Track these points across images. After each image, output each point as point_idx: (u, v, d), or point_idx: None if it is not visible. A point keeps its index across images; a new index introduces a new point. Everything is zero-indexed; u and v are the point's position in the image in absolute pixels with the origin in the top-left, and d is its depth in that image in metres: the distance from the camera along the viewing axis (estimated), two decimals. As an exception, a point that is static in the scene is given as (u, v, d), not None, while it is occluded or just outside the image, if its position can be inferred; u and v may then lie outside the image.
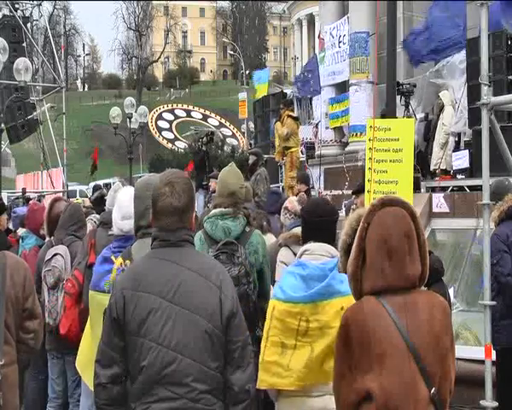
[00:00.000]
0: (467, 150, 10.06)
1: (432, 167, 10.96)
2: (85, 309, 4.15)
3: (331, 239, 3.25)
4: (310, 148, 16.50)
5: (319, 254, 3.13)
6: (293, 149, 10.97)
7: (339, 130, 15.25)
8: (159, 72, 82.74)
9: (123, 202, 3.67)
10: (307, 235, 3.27)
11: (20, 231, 6.17)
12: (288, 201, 4.91)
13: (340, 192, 11.64)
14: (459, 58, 10.94)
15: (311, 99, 16.01)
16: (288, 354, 3.04)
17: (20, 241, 5.54)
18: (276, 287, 3.18)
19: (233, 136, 49.97)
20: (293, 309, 3.03)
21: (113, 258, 3.23)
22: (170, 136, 53.08)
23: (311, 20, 75.70)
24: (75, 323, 4.28)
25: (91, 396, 4.02)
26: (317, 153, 14.68)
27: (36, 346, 3.50)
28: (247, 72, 55.60)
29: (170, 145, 47.68)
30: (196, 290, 2.42)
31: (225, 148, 35.18)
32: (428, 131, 11.44)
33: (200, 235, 3.80)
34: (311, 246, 3.17)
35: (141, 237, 3.19)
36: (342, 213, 7.42)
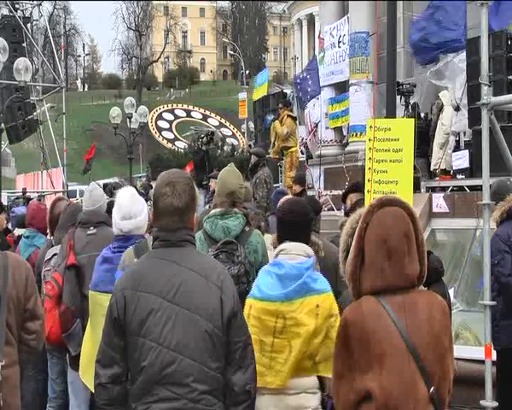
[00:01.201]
0: (467, 150, 10.08)
1: (432, 167, 10.97)
2: (65, 311, 4.14)
3: (306, 238, 3.28)
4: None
5: (295, 253, 3.15)
6: (292, 149, 10.96)
7: (339, 130, 15.26)
8: (159, 72, 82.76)
9: (123, 203, 3.67)
10: (283, 234, 3.28)
11: (19, 231, 6.14)
12: (283, 200, 4.81)
13: (340, 192, 11.63)
14: (458, 57, 10.95)
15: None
16: (267, 352, 3.06)
17: (26, 240, 5.49)
18: (253, 286, 3.20)
19: (233, 136, 50.01)
20: (269, 307, 3.05)
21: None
22: (170, 136, 53.12)
23: (311, 20, 75.69)
24: (56, 325, 4.24)
25: (79, 396, 4.05)
26: (317, 153, 14.69)
27: (38, 347, 3.49)
28: (247, 72, 55.60)
29: (170, 145, 47.72)
30: (197, 290, 2.42)
31: (225, 148, 35.20)
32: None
33: (200, 235, 3.81)
34: (287, 245, 3.18)
35: None
36: (341, 213, 7.41)
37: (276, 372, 3.04)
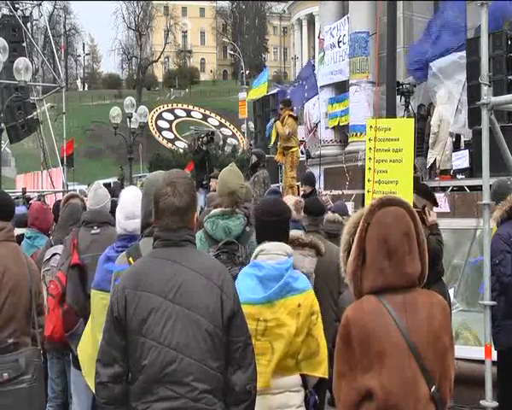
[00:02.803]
0: (467, 150, 10.10)
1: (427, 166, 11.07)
2: (69, 310, 4.14)
3: (285, 238, 3.28)
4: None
5: (275, 253, 3.14)
6: (293, 149, 10.95)
7: (339, 130, 15.27)
8: (159, 72, 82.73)
9: (126, 202, 3.67)
10: (262, 235, 3.27)
11: (18, 231, 6.12)
12: (284, 200, 4.81)
13: (340, 192, 11.65)
14: (459, 54, 10.97)
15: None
16: None
17: (28, 241, 5.49)
18: None
19: (233, 136, 50.05)
20: (251, 310, 3.03)
21: (131, 260, 3.21)
22: (170, 136, 53.17)
23: (311, 20, 75.73)
24: (58, 324, 4.25)
25: (81, 396, 4.05)
26: (317, 153, 14.70)
27: (41, 341, 3.64)
28: (247, 72, 55.61)
29: (170, 145, 47.77)
30: (197, 290, 2.42)
31: (226, 148, 35.20)
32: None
33: (201, 235, 3.80)
34: (267, 246, 3.17)
35: (148, 234, 3.16)
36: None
37: (258, 374, 3.05)
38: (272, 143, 12.47)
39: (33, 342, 3.58)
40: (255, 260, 3.17)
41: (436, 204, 5.33)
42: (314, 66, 15.18)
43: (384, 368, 2.18)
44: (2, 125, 14.26)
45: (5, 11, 18.58)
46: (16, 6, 18.30)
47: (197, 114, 58.11)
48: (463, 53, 10.45)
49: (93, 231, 4.23)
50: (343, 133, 15.28)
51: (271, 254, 3.14)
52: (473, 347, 5.85)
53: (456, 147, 11.39)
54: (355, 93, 13.77)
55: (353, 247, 2.36)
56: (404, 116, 10.42)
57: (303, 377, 3.14)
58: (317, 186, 13.58)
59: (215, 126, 48.78)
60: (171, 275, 2.42)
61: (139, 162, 36.89)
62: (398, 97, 9.59)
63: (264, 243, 3.19)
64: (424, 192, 5.27)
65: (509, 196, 4.73)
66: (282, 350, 3.03)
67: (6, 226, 3.69)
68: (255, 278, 3.09)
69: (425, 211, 4.98)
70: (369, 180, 6.82)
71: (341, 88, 15.17)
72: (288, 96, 14.67)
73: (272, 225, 3.23)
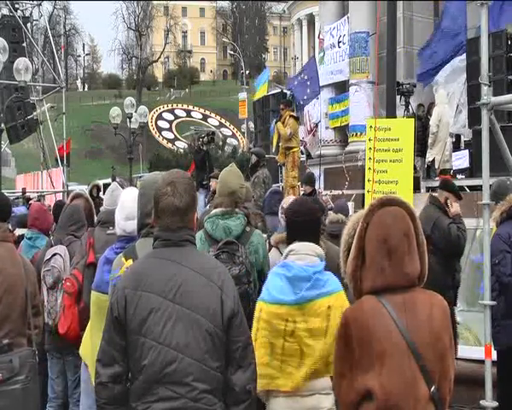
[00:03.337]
0: (467, 150, 10.11)
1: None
2: (85, 308, 4.14)
3: (316, 238, 3.27)
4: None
5: (304, 253, 3.13)
6: (294, 149, 10.94)
7: (339, 130, 15.26)
8: (159, 72, 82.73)
9: (126, 203, 3.66)
10: (292, 235, 3.27)
11: (19, 231, 6.13)
12: (284, 200, 4.83)
13: (340, 192, 11.65)
14: (459, 57, 10.98)
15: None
16: (278, 355, 3.05)
17: (28, 241, 5.49)
18: (264, 288, 3.18)
19: (233, 136, 50.08)
20: (279, 311, 3.03)
21: (123, 260, 3.20)
22: (170, 136, 53.19)
23: (311, 20, 75.74)
24: (74, 322, 4.27)
25: (91, 395, 4.04)
26: (317, 153, 14.70)
27: (37, 342, 3.63)
28: (247, 72, 55.62)
29: (170, 145, 47.79)
30: (197, 290, 2.42)
31: (226, 148, 35.23)
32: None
33: (201, 234, 3.81)
34: (296, 246, 3.16)
35: (145, 235, 3.17)
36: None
37: (287, 375, 3.04)
38: (274, 146, 12.46)
39: (29, 343, 3.56)
40: (285, 260, 3.17)
41: (460, 198, 5.61)
42: (316, 64, 15.11)
43: (384, 368, 2.18)
44: (2, 125, 14.27)
45: (5, 11, 18.55)
46: (16, 6, 18.30)
47: (197, 115, 58.12)
48: (463, 56, 10.46)
49: (108, 232, 4.24)
50: (343, 133, 15.28)
51: (300, 254, 3.12)
52: (473, 347, 5.86)
53: (456, 147, 11.40)
54: (355, 93, 13.78)
55: (353, 247, 2.37)
56: (404, 116, 10.43)
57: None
58: (316, 186, 13.61)
59: (215, 126, 48.78)
60: (171, 275, 2.42)
61: (139, 162, 36.91)
62: (398, 97, 9.62)
63: (293, 243, 3.19)
64: (447, 186, 5.60)
65: (508, 196, 4.73)
66: (311, 353, 3.01)
67: (2, 226, 3.69)
68: (284, 278, 3.08)
69: (447, 203, 5.38)
70: (369, 180, 6.84)
71: (341, 88, 15.18)
72: (289, 93, 14.65)
73: (303, 225, 3.23)
